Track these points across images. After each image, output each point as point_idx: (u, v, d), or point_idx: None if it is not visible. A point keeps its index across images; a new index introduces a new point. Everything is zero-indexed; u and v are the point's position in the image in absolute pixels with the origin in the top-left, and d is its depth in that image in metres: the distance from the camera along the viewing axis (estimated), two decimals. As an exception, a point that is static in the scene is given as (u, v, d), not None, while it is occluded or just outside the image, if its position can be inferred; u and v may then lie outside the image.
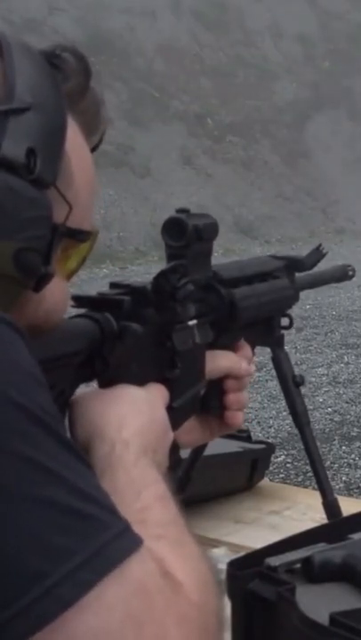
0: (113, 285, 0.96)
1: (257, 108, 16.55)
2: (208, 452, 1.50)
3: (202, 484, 1.65)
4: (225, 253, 11.74)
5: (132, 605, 0.69)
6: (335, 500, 1.45)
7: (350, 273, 1.53)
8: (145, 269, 10.20)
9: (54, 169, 0.79)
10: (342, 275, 1.52)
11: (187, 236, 1.00)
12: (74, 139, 0.83)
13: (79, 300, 0.93)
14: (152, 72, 15.33)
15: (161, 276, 0.94)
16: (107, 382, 0.92)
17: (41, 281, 0.78)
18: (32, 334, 0.81)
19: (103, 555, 0.68)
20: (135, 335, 0.92)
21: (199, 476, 1.58)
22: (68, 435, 0.86)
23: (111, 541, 0.69)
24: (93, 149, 0.89)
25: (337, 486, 4.62)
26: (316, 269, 1.40)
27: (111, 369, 0.91)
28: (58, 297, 0.83)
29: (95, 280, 8.82)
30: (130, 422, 0.86)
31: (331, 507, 1.44)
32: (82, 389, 0.92)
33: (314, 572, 1.04)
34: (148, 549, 0.72)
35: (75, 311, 0.92)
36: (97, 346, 0.89)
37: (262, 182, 15.44)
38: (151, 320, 0.95)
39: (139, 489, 0.81)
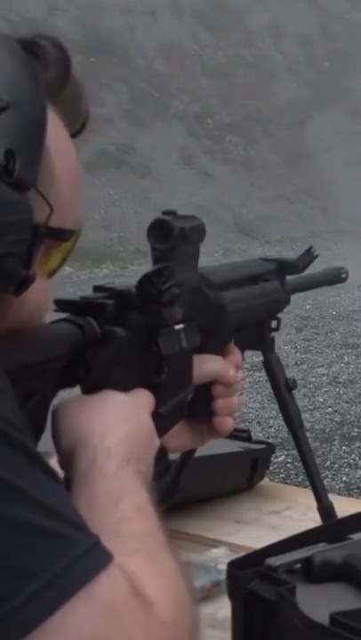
0: (97, 289, 0.95)
1: (257, 108, 16.54)
2: (208, 452, 1.49)
3: (202, 484, 1.65)
4: (225, 253, 11.73)
5: (101, 627, 0.66)
6: (331, 505, 1.44)
7: (343, 276, 1.51)
8: (145, 269, 10.16)
9: (34, 169, 0.76)
10: (335, 277, 1.51)
11: (173, 239, 0.99)
12: (55, 132, 0.80)
13: (62, 304, 0.91)
14: (152, 72, 15.33)
15: (145, 279, 0.93)
16: (90, 388, 0.90)
17: (22, 285, 0.76)
18: (15, 337, 0.79)
19: (70, 574, 0.66)
20: (119, 340, 0.91)
21: (200, 475, 1.58)
22: (50, 440, 0.85)
23: (78, 559, 0.67)
24: (74, 136, 0.86)
25: (337, 486, 4.62)
26: (310, 272, 1.39)
27: (94, 374, 0.89)
28: (40, 298, 0.81)
29: (95, 280, 8.81)
30: (114, 430, 0.84)
31: (326, 511, 1.44)
32: (64, 395, 0.91)
33: (314, 573, 1.04)
34: (119, 566, 0.70)
35: (57, 315, 0.90)
36: (79, 351, 0.88)
37: (262, 182, 15.43)
38: (136, 324, 0.93)
39: (117, 499, 0.79)
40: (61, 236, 0.81)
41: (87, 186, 12.66)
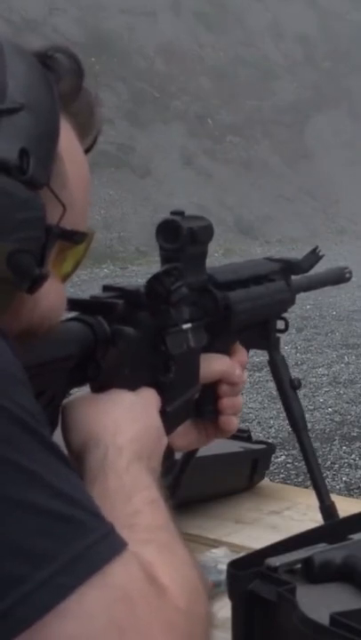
0: (106, 288, 0.95)
1: (257, 108, 16.54)
2: (209, 452, 1.49)
3: (202, 484, 1.65)
4: (225, 254, 11.73)
5: (115, 612, 0.67)
6: (333, 505, 1.44)
7: (347, 275, 1.52)
8: (145, 269, 10.19)
9: (47, 169, 0.78)
10: (339, 277, 1.51)
11: (181, 239, 0.99)
12: (67, 140, 0.82)
13: (71, 303, 0.91)
14: (152, 72, 15.33)
15: (155, 279, 0.93)
16: (99, 386, 0.91)
17: (35, 283, 0.77)
18: (28, 337, 0.80)
19: (85, 559, 0.67)
20: (128, 339, 0.91)
21: (200, 476, 1.58)
22: (60, 438, 0.85)
23: (93, 545, 0.68)
24: (87, 151, 0.88)
25: (337, 486, 4.62)
26: (313, 272, 1.40)
27: (104, 373, 0.90)
28: (53, 299, 0.82)
29: (95, 280, 8.81)
30: (125, 428, 0.86)
31: (328, 511, 1.44)
32: (74, 393, 0.91)
33: (314, 573, 1.04)
34: (134, 554, 0.71)
35: (67, 314, 0.91)
36: (89, 350, 0.88)
37: (263, 182, 15.44)
38: (145, 324, 0.94)
39: (130, 494, 0.80)
40: (74, 237, 0.83)
41: (87, 186, 12.66)
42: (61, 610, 0.65)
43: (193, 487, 1.56)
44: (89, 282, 9.16)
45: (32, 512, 0.66)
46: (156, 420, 0.91)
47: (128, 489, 0.81)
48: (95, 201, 12.50)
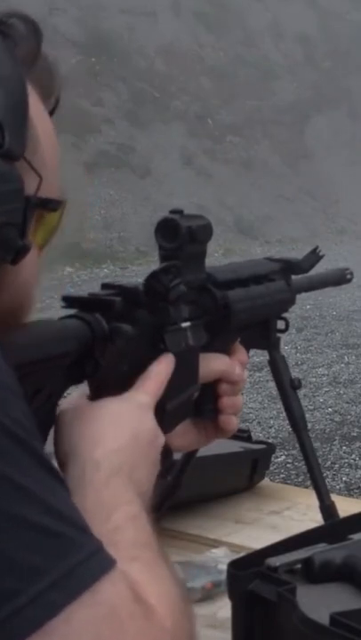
0: (105, 286, 0.95)
1: (257, 108, 16.54)
2: (208, 452, 1.49)
3: (202, 484, 1.65)
4: (225, 254, 11.74)
5: (102, 631, 0.67)
6: (333, 505, 1.44)
7: (348, 276, 1.52)
8: (146, 269, 10.16)
9: (22, 141, 0.78)
10: (340, 278, 1.52)
11: (180, 238, 0.99)
12: (35, 105, 0.82)
13: (69, 301, 0.91)
14: (152, 72, 15.33)
15: (153, 276, 0.93)
16: (97, 384, 0.90)
17: (19, 254, 0.78)
18: (11, 318, 0.80)
19: (75, 575, 0.66)
20: (126, 336, 0.91)
21: (200, 476, 1.58)
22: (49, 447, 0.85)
23: (84, 562, 0.67)
24: (51, 113, 0.88)
25: (337, 486, 4.63)
26: (314, 272, 1.40)
27: (102, 370, 0.89)
28: (31, 269, 0.83)
29: (95, 280, 8.82)
30: (105, 441, 0.84)
31: (328, 511, 1.44)
32: (73, 390, 0.91)
33: (314, 573, 1.04)
34: (122, 572, 0.70)
35: (65, 312, 0.91)
36: (87, 347, 0.88)
37: (263, 182, 15.44)
38: (143, 321, 0.93)
39: (109, 510, 0.78)
40: (50, 205, 0.83)
41: (87, 186, 12.66)
42: (50, 627, 0.64)
43: (193, 487, 1.56)
44: (89, 282, 9.17)
45: (24, 527, 0.65)
46: (147, 423, 0.89)
47: (108, 504, 0.79)
48: (95, 201, 12.50)
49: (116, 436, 0.85)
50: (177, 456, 1.54)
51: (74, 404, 0.89)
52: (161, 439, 0.90)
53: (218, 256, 11.23)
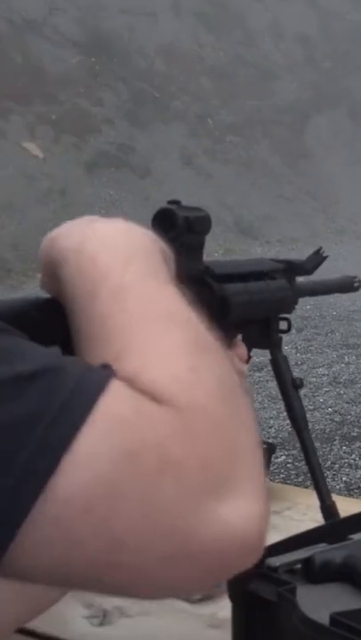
0: None
1: (257, 108, 16.55)
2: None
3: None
4: (225, 254, 11.74)
5: (117, 441, 0.62)
6: (333, 505, 1.44)
7: (356, 284, 1.51)
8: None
9: None
10: (348, 286, 1.51)
11: (176, 228, 0.99)
12: None
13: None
14: (152, 72, 15.34)
15: None
16: None
17: None
18: None
19: (71, 405, 0.62)
20: None
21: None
22: None
23: (76, 388, 0.62)
24: None
25: (337, 486, 4.63)
26: (322, 278, 1.39)
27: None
28: None
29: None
30: (99, 226, 0.80)
31: (328, 511, 1.44)
32: None
33: (314, 573, 1.04)
34: (119, 379, 0.65)
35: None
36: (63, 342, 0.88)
37: (263, 182, 15.44)
38: None
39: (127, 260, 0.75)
40: None
41: (87, 186, 12.67)
42: (64, 466, 0.60)
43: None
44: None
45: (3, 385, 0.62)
46: (141, 229, 0.83)
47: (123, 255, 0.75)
48: (95, 201, 12.50)
49: (110, 225, 0.81)
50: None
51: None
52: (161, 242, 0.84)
53: (218, 256, 11.23)
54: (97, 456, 0.61)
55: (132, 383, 0.65)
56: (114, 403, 0.63)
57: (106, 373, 0.65)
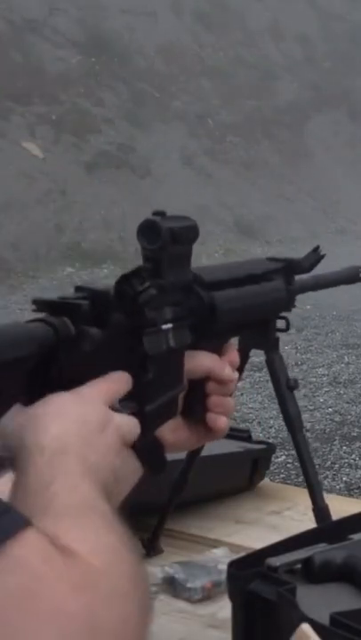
0: (77, 289, 0.94)
1: (257, 108, 16.54)
2: (208, 452, 1.50)
3: (202, 484, 1.65)
4: (225, 254, 11.74)
5: (13, 581, 0.65)
6: (326, 507, 1.44)
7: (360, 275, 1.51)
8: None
9: None
10: (353, 277, 1.51)
11: (161, 239, 0.99)
12: None
13: (39, 304, 0.91)
14: (152, 72, 15.33)
15: (123, 280, 0.93)
16: (64, 388, 0.89)
17: None
18: None
19: None
20: (92, 340, 0.90)
21: (200, 476, 1.58)
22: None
23: None
24: None
25: (337, 486, 4.63)
26: (325, 271, 1.39)
27: (68, 374, 0.89)
28: None
29: (96, 280, 8.80)
30: (48, 429, 0.84)
31: (321, 513, 1.44)
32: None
33: (314, 573, 1.04)
34: (36, 528, 0.69)
35: (35, 315, 0.90)
36: (50, 350, 0.87)
37: (263, 183, 15.43)
38: (117, 325, 0.92)
39: (49, 482, 0.79)
40: None
41: (87, 186, 12.67)
42: None
43: (193, 487, 1.56)
44: (89, 282, 9.15)
45: None
46: (93, 412, 0.88)
47: (48, 479, 0.80)
48: (95, 201, 12.50)
49: (60, 422, 0.85)
50: (181, 455, 1.54)
51: (17, 410, 0.89)
52: (113, 426, 0.89)
53: (218, 256, 11.23)
54: None
55: (47, 535, 0.69)
56: (25, 547, 0.66)
57: (23, 519, 0.68)
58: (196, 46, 16.50)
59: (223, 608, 1.02)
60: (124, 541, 0.77)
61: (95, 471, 0.84)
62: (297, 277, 1.33)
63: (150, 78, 15.20)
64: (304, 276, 1.33)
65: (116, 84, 14.55)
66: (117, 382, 0.93)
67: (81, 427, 0.86)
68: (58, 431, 0.84)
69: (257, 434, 5.10)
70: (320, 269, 1.47)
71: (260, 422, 5.58)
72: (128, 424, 0.91)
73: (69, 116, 13.22)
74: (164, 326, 0.98)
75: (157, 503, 1.54)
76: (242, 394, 5.92)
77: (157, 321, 0.97)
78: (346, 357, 7.27)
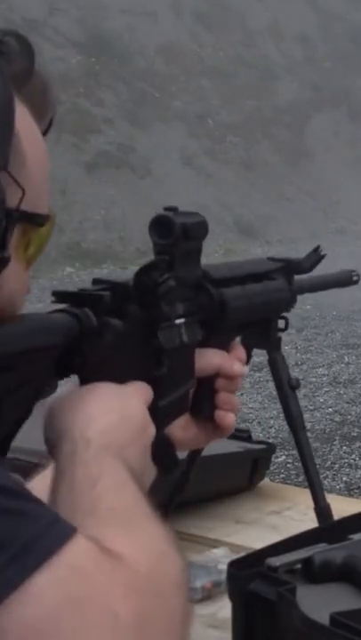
0: (95, 281, 0.95)
1: (257, 108, 16.55)
2: (208, 452, 1.50)
3: (202, 484, 1.65)
4: (226, 254, 11.74)
5: (66, 587, 0.68)
6: (328, 506, 1.44)
7: (355, 278, 1.52)
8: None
9: (5, 152, 0.78)
10: (346, 280, 1.51)
11: (173, 235, 0.99)
12: (24, 121, 0.82)
13: (59, 296, 0.91)
14: (153, 72, 15.33)
15: (142, 271, 0.93)
16: (87, 378, 0.90)
17: None
18: None
19: (32, 548, 0.68)
20: (115, 331, 0.91)
21: (200, 475, 1.58)
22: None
23: (41, 534, 0.69)
24: (44, 133, 0.88)
25: (337, 486, 4.63)
26: (321, 273, 1.40)
27: (90, 365, 0.89)
28: (14, 284, 0.83)
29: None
30: (96, 421, 0.85)
31: (323, 512, 1.44)
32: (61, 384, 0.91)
33: (314, 573, 1.04)
34: (84, 536, 0.71)
35: (55, 307, 0.91)
36: (75, 341, 0.88)
37: (263, 183, 15.44)
38: (134, 317, 0.93)
39: (95, 481, 0.80)
40: (36, 220, 0.84)
41: (87, 186, 12.67)
42: (9, 601, 0.65)
43: (193, 487, 1.56)
44: (89, 282, 9.15)
45: None
46: (136, 411, 0.90)
47: (94, 475, 0.80)
48: (95, 201, 12.50)
49: (104, 417, 0.86)
50: (182, 455, 1.55)
51: (65, 393, 0.89)
52: (151, 429, 0.91)
53: (218, 256, 11.23)
54: (42, 599, 0.66)
55: (96, 541, 0.71)
56: (75, 554, 0.69)
57: (71, 528, 0.71)
58: (196, 46, 16.51)
59: (223, 608, 1.02)
60: (169, 542, 0.79)
61: (135, 472, 0.85)
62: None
63: (150, 78, 15.20)
64: (303, 277, 1.34)
65: (116, 84, 14.55)
66: (149, 389, 0.94)
67: (123, 424, 0.87)
68: (103, 425, 0.85)
69: (257, 434, 5.10)
70: (320, 270, 1.47)
71: (260, 422, 5.58)
72: (153, 427, 0.92)
73: (69, 116, 13.22)
74: (178, 321, 0.99)
75: (158, 503, 1.54)
76: (242, 394, 5.92)
77: (171, 315, 0.98)
78: (346, 357, 7.27)
